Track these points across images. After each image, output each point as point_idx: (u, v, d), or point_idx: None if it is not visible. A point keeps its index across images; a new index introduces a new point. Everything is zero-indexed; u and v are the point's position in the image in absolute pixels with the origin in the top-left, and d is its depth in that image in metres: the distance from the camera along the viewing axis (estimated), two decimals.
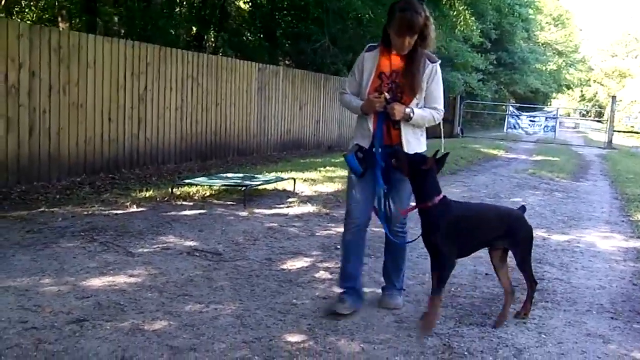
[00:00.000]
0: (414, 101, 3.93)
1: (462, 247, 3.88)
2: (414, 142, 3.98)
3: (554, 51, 51.58)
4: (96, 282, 4.41)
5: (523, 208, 4.22)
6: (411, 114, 3.87)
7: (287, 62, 21.58)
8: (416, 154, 3.87)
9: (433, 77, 3.96)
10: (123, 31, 14.29)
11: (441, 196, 3.78)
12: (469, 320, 4.05)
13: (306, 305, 4.22)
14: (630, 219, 8.34)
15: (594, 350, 3.74)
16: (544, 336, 3.91)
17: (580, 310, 4.46)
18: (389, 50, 3.96)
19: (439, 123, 4.14)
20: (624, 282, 5.27)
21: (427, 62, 3.93)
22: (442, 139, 4.34)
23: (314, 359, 3.36)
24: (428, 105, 4.00)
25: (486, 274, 5.12)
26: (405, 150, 3.89)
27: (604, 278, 5.35)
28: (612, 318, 4.32)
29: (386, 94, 3.85)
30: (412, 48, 3.87)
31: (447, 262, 3.79)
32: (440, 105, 4.05)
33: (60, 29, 11.79)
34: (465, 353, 3.56)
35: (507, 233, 3.96)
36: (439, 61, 4.04)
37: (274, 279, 4.74)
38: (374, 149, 3.97)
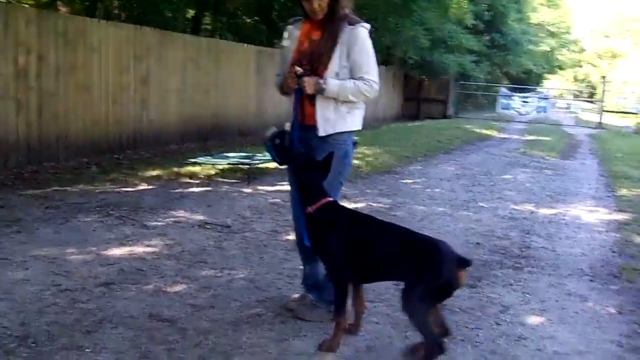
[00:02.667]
0: (331, 71, 3.42)
1: (360, 266, 3.21)
2: (336, 120, 3.49)
3: (547, 32, 51.79)
4: (117, 251, 4.79)
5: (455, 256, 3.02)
6: (323, 85, 3.38)
7: None
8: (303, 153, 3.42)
9: (354, 42, 3.42)
10: (123, 15, 14.49)
11: (326, 201, 3.28)
12: None
13: None
14: (615, 194, 8.76)
15: (572, 306, 4.16)
16: (528, 295, 4.32)
17: (563, 274, 4.87)
18: (310, 20, 3.52)
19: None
20: (604, 250, 5.68)
21: (346, 25, 3.43)
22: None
23: None
24: (354, 76, 3.45)
25: (477, 243, 5.52)
26: (322, 128, 3.45)
27: (586, 246, 5.76)
28: (590, 280, 4.74)
29: (297, 67, 3.42)
30: (328, 11, 3.43)
31: (335, 279, 3.26)
32: (368, 75, 3.45)
33: (65, 14, 12.05)
34: (457, 310, 3.96)
35: (416, 263, 3.03)
36: (363, 22, 3.48)
37: (281, 248, 5.12)
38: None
